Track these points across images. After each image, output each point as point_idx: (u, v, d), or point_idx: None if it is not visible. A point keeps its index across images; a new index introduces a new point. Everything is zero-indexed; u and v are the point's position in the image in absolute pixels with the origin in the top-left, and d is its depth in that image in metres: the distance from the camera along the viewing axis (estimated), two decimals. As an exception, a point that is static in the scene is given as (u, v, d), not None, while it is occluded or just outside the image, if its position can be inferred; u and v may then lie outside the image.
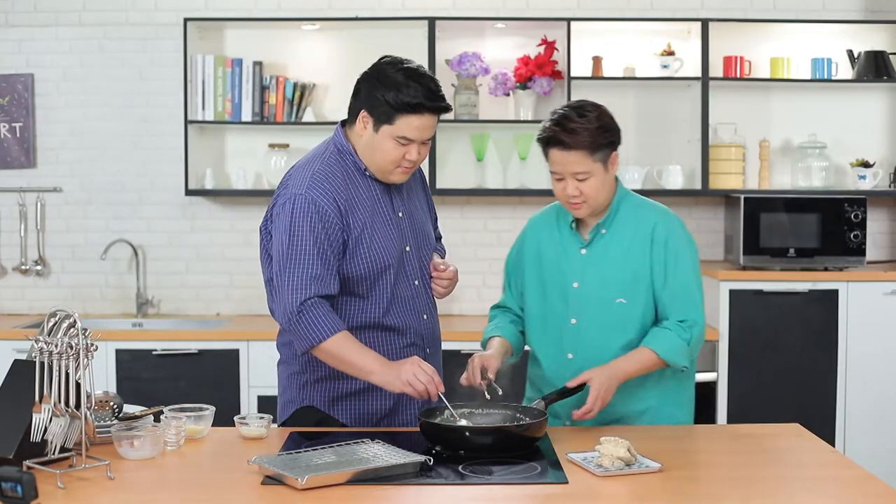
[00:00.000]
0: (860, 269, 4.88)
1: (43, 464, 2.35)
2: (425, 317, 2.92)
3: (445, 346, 3.05)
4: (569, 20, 5.00)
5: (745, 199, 4.88)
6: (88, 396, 2.41)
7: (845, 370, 4.76)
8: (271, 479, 2.32)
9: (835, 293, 4.77)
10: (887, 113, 5.28)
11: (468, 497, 2.25)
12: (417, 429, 2.68)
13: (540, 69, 5.03)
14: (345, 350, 2.70)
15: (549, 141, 2.82)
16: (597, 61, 5.10)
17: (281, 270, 2.73)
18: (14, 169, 5.26)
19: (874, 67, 5.07)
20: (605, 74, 5.11)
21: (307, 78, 5.15)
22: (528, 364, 3.07)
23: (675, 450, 2.62)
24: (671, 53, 5.12)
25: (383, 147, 2.75)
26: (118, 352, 4.69)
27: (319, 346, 2.70)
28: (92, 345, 2.40)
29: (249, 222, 5.21)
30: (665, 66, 5.11)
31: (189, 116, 5.04)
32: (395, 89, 2.70)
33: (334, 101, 5.17)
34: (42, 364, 2.36)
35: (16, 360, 2.49)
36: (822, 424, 4.68)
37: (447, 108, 2.76)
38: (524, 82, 5.06)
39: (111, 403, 2.73)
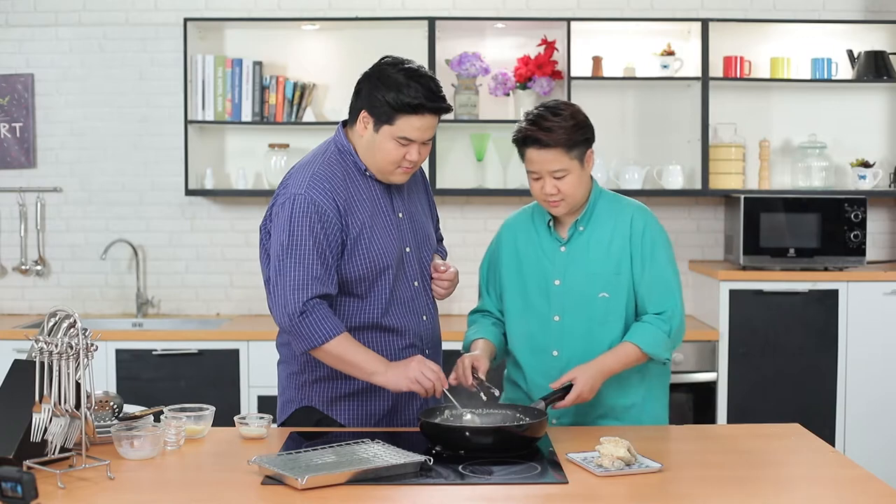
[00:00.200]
0: (860, 269, 4.88)
1: (43, 464, 2.34)
2: (425, 318, 2.92)
3: (445, 346, 3.04)
4: (569, 20, 5.00)
5: (745, 199, 4.88)
6: (88, 396, 2.41)
7: (845, 370, 4.76)
8: (271, 479, 2.32)
9: (835, 293, 4.77)
10: (887, 113, 5.27)
11: (468, 497, 2.25)
12: (417, 429, 2.68)
13: (540, 69, 5.03)
14: (347, 351, 2.70)
15: (525, 140, 2.85)
16: (597, 61, 5.10)
17: (280, 270, 2.72)
18: (14, 169, 5.26)
19: (874, 67, 5.06)
20: (605, 74, 5.11)
21: (307, 78, 5.15)
22: (507, 365, 3.09)
23: (675, 450, 2.62)
24: (671, 53, 5.12)
25: (384, 147, 2.75)
26: (118, 352, 4.69)
27: (321, 348, 2.70)
28: (92, 345, 2.40)
29: (249, 222, 5.22)
30: (665, 66, 5.11)
31: (189, 116, 5.04)
32: (395, 90, 2.70)
33: (334, 101, 5.17)
34: (42, 364, 2.36)
35: (16, 360, 2.49)
36: (822, 424, 4.68)
37: (448, 109, 2.76)
38: (524, 82, 5.06)
39: (111, 403, 2.73)
